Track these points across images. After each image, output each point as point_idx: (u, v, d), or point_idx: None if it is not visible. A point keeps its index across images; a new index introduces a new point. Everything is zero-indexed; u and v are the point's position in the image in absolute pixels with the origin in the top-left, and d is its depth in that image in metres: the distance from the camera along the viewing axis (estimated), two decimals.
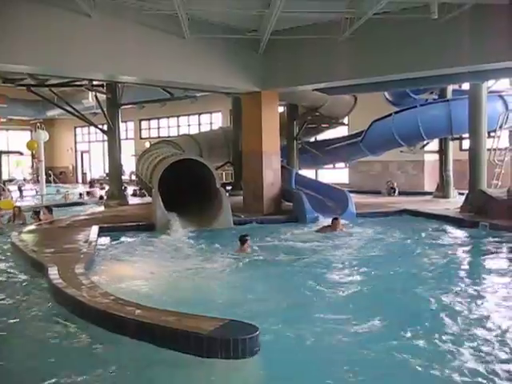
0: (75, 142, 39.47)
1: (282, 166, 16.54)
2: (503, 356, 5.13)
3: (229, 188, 20.23)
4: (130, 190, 23.63)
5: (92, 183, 30.71)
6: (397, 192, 20.88)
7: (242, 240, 10.24)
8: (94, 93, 20.15)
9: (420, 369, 4.84)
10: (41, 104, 28.54)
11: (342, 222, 12.58)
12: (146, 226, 12.95)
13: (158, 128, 33.99)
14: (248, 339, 4.99)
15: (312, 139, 23.07)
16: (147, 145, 26.08)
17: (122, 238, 11.94)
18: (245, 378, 4.92)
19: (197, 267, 9.21)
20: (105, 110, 19.09)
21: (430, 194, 19.76)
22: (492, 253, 10.13)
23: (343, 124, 22.84)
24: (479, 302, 7.06)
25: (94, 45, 11.41)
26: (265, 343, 5.11)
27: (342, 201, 14.91)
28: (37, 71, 13.17)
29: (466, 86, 17.88)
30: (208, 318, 5.53)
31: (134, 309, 5.99)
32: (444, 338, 5.61)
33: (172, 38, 12.80)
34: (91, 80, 16.53)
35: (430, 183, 21.76)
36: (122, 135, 22.70)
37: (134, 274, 8.87)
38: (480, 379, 4.65)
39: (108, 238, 11.93)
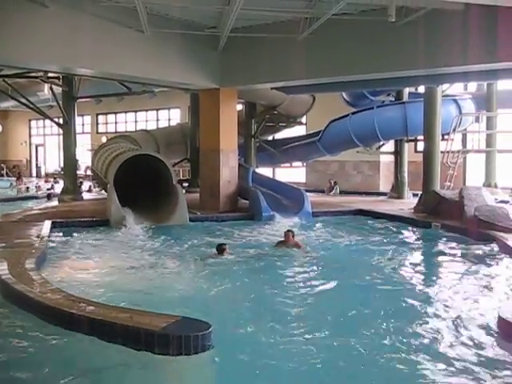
0: (30, 135, 38.64)
1: (239, 164, 16.55)
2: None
3: (185, 185, 20.15)
4: (85, 185, 23.19)
5: (48, 177, 30.20)
6: (337, 191, 21.06)
7: (220, 249, 9.63)
8: (49, 85, 19.74)
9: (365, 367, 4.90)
10: None
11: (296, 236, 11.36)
12: (100, 222, 12.79)
13: (116, 123, 33.57)
14: (200, 336, 4.98)
15: (270, 138, 23.14)
16: (104, 139, 25.72)
17: (76, 234, 11.73)
18: (197, 375, 4.90)
19: (150, 263, 9.15)
20: (60, 102, 18.73)
21: (384, 194, 20.04)
22: (443, 252, 10.37)
23: (301, 123, 22.99)
24: (428, 298, 7.23)
25: (50, 36, 11.20)
26: (218, 340, 5.10)
27: (299, 199, 14.98)
28: None
29: (421, 89, 18.20)
30: (160, 315, 5.50)
31: (85, 305, 5.91)
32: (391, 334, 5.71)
33: (130, 32, 12.66)
34: (46, 72, 16.19)
35: (385, 184, 22.08)
36: (78, 129, 22.42)
37: (86, 270, 8.73)
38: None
39: (61, 233, 11.71)
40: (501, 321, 5.62)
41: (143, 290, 7.55)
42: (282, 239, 10.48)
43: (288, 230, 10.57)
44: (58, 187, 24.13)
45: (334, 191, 21.11)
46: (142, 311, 5.67)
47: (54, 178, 28.74)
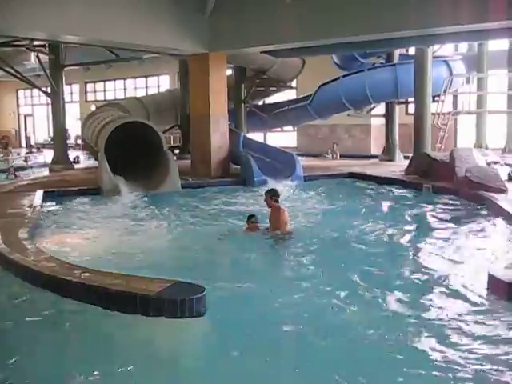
0: (18, 106, 38.27)
1: (230, 130, 16.48)
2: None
3: (176, 151, 20.08)
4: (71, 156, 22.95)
5: (31, 147, 30.06)
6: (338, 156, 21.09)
7: (252, 221, 8.73)
8: (36, 53, 19.48)
9: (360, 329, 4.96)
10: None
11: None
12: (92, 190, 12.74)
13: (104, 91, 33.29)
14: (195, 299, 5.04)
15: (260, 102, 23.03)
16: (93, 108, 25.51)
17: (68, 203, 11.70)
18: (192, 338, 4.96)
19: (143, 230, 9.19)
20: (48, 71, 18.51)
21: (376, 157, 20.07)
22: (434, 213, 10.44)
23: (291, 87, 22.87)
24: (419, 258, 7.38)
25: (36, 2, 11.01)
26: (212, 304, 5.16)
27: (290, 164, 15.00)
28: None
29: (412, 50, 18.10)
30: (155, 280, 5.55)
31: (80, 272, 5.95)
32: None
33: None
34: (33, 40, 15.96)
35: (376, 147, 22.11)
36: (67, 98, 22.17)
37: (80, 238, 8.78)
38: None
39: (53, 202, 11.67)
40: (490, 278, 5.71)
41: (137, 256, 7.59)
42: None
43: (266, 192, 8.88)
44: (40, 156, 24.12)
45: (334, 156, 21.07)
46: (137, 276, 5.71)
47: (38, 149, 28.73)
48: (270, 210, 8.65)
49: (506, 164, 13.96)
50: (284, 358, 4.45)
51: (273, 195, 8.55)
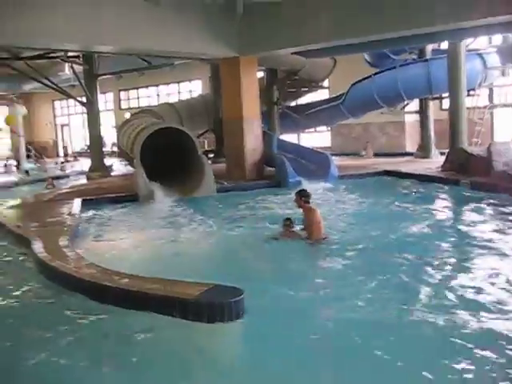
0: (54, 116, 39.01)
1: (263, 132, 16.51)
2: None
3: (211, 155, 20.22)
4: (111, 162, 23.32)
5: (67, 156, 30.65)
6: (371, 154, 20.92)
7: (286, 224, 8.53)
8: (70, 64, 19.85)
9: (408, 331, 4.93)
10: (16, 78, 28.00)
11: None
12: (129, 197, 12.91)
13: (138, 98, 33.68)
14: (233, 302, 5.06)
15: (293, 103, 23.01)
16: (127, 115, 25.85)
17: (106, 210, 11.89)
18: (230, 341, 4.99)
19: (181, 235, 9.25)
20: (82, 81, 18.85)
21: (411, 154, 19.87)
22: (473, 209, 10.26)
23: (323, 87, 22.81)
24: (460, 257, 7.23)
25: (69, 14, 11.21)
26: (250, 307, 5.18)
27: (324, 164, 14.95)
28: (7, 43, 12.81)
29: (444, 45, 17.87)
30: (194, 283, 5.59)
31: (120, 278, 6.03)
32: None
33: (147, 4, 12.61)
34: (67, 51, 16.27)
35: (411, 144, 21.88)
36: (102, 106, 22.55)
37: (119, 244, 8.90)
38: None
39: (91, 210, 11.85)
40: None
41: (175, 261, 7.66)
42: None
43: (296, 192, 8.54)
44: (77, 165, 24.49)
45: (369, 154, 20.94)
46: (176, 280, 5.77)
47: (75, 157, 29.25)
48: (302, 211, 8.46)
49: None
50: (321, 363, 4.42)
51: (303, 196, 8.30)
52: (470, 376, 4.05)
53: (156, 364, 4.52)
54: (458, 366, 4.15)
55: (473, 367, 4.15)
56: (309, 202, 8.33)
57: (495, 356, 4.27)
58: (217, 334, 4.96)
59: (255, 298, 5.43)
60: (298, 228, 8.48)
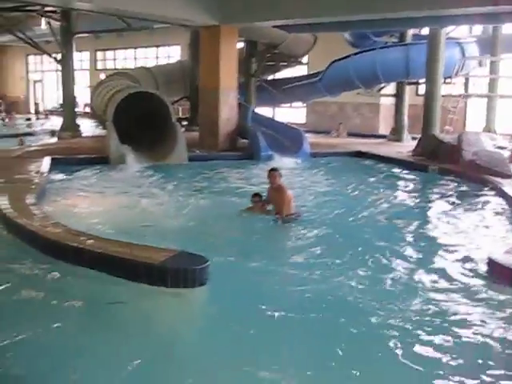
0: (27, 71, 38.13)
1: (239, 103, 16.46)
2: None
3: (185, 123, 20.07)
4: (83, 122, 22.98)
5: (39, 113, 30.17)
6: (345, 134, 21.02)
7: (255, 200, 8.47)
8: (47, 19, 19.39)
9: (362, 305, 5.05)
10: None
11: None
12: (99, 159, 12.79)
13: (114, 59, 33.09)
14: (198, 269, 5.12)
15: (270, 77, 22.91)
16: (102, 76, 25.46)
17: (75, 170, 11.78)
18: (194, 307, 5.06)
19: (149, 200, 9.25)
20: (58, 38, 18.45)
21: (384, 136, 20.02)
22: (438, 195, 10.47)
23: (302, 63, 22.74)
24: (421, 241, 7.38)
25: None
26: (214, 275, 5.24)
27: (297, 140, 15.01)
28: None
29: (425, 31, 17.93)
30: (159, 249, 5.63)
31: (85, 239, 6.03)
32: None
33: None
34: (44, 5, 15.88)
35: (384, 126, 22.01)
36: (77, 65, 22.13)
37: (87, 206, 8.86)
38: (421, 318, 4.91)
39: (60, 169, 11.72)
40: (491, 262, 5.77)
41: (142, 225, 7.68)
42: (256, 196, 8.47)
43: (272, 170, 8.44)
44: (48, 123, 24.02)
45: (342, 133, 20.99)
46: (142, 245, 5.79)
47: (46, 115, 28.74)
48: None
49: None
50: (281, 331, 4.55)
51: (278, 174, 8.28)
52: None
53: (118, 327, 4.57)
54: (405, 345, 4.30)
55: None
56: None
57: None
58: (180, 300, 5.02)
59: (220, 267, 5.49)
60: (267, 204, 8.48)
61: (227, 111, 15.46)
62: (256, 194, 8.51)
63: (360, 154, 15.37)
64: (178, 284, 5.09)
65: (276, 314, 4.78)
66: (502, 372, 3.97)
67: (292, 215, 8.08)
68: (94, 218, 7.99)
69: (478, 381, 3.84)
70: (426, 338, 4.44)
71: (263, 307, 4.90)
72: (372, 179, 12.07)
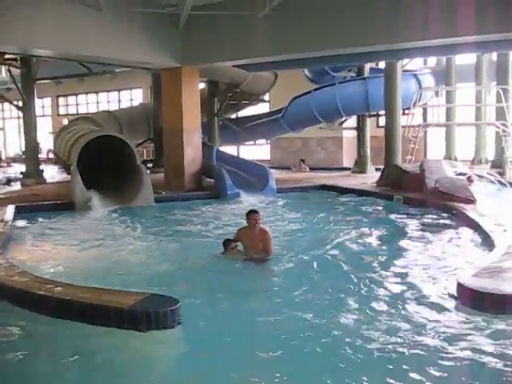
0: None
1: (203, 143, 16.55)
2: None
3: (150, 165, 20.06)
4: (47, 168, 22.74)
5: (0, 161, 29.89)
6: (307, 168, 21.24)
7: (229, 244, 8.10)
8: (7, 67, 19.33)
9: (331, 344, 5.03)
10: None
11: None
12: (64, 205, 12.65)
13: (77, 104, 33.07)
14: (169, 311, 5.07)
15: (233, 116, 23.14)
16: (65, 122, 25.37)
17: (40, 218, 11.61)
18: (167, 349, 5.00)
19: (116, 244, 9.15)
20: (19, 85, 18.38)
21: (348, 169, 20.31)
22: (404, 223, 10.59)
23: (264, 101, 23.04)
24: (389, 268, 7.46)
25: (6, 16, 10.95)
26: (187, 316, 5.20)
27: (263, 176, 15.10)
28: None
29: (382, 64, 18.40)
30: (129, 293, 5.57)
31: (53, 286, 5.93)
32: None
33: (88, 10, 12.47)
34: (3, 53, 15.85)
35: (348, 159, 22.34)
36: (39, 112, 22.08)
37: (53, 253, 8.72)
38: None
39: (25, 217, 11.55)
40: (459, 286, 5.85)
41: (110, 270, 7.57)
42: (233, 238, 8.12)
43: (251, 212, 8.12)
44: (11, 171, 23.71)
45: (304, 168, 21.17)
46: (111, 289, 5.72)
47: (8, 163, 28.45)
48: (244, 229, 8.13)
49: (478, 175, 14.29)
50: (255, 371, 4.48)
51: (259, 216, 8.01)
52: None
53: (90, 374, 4.48)
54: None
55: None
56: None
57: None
58: (152, 343, 4.96)
59: (191, 308, 5.45)
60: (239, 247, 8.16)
61: (192, 151, 15.52)
62: (229, 240, 8.11)
63: (325, 188, 15.52)
64: (148, 327, 5.03)
65: (251, 354, 4.73)
66: None
67: (266, 256, 7.90)
68: (60, 264, 7.88)
69: None
70: (400, 360, 4.51)
71: (237, 348, 4.86)
72: (339, 211, 12.19)
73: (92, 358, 4.73)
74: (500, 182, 14.15)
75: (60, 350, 4.91)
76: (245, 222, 8.21)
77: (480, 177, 14.50)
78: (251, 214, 8.05)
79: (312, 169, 21.01)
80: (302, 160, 21.57)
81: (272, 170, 15.81)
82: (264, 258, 7.84)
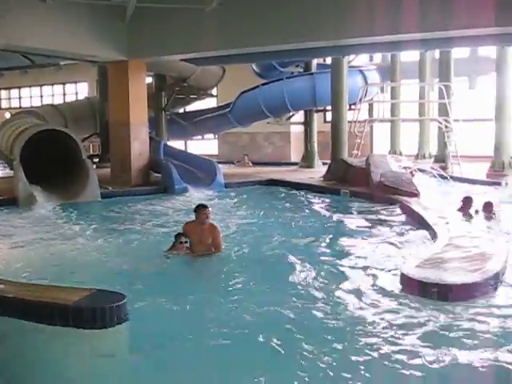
0: None
1: (150, 137, 16.40)
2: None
3: (96, 160, 19.74)
4: None
5: None
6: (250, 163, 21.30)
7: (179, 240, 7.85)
8: None
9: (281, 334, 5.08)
10: None
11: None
12: (7, 201, 12.32)
13: (20, 98, 32.17)
14: (115, 307, 5.00)
15: (181, 110, 23.00)
16: (7, 115, 24.71)
17: None
18: (114, 346, 4.93)
19: (61, 241, 8.98)
20: None
21: (295, 164, 20.45)
22: (351, 217, 10.81)
23: (211, 95, 22.98)
24: (335, 261, 7.57)
25: None
26: (134, 311, 5.14)
27: (211, 171, 15.08)
28: None
29: (329, 60, 18.60)
30: (74, 289, 5.46)
31: None
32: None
33: (32, 1, 12.17)
34: None
35: (295, 154, 22.50)
36: None
37: None
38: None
39: None
40: (403, 277, 5.99)
41: (54, 266, 7.42)
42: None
43: (201, 206, 7.93)
44: None
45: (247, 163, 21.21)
46: (55, 286, 5.60)
47: None
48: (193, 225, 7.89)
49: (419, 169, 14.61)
50: (204, 365, 4.48)
51: (210, 211, 7.85)
52: None
53: (34, 374, 4.38)
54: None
55: None
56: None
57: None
58: (98, 340, 4.88)
59: (137, 304, 5.40)
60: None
61: (138, 146, 15.35)
62: (180, 234, 7.86)
63: (273, 182, 15.60)
64: (94, 324, 4.94)
65: (200, 348, 4.74)
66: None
67: (217, 251, 7.80)
68: (3, 262, 7.68)
69: None
70: (347, 349, 4.60)
71: (180, 342, 4.85)
72: (286, 206, 12.29)
73: (35, 357, 4.64)
74: (442, 176, 14.50)
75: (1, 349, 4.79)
76: (191, 215, 8.16)
77: (423, 171, 14.83)
78: (201, 208, 7.84)
79: (256, 164, 20.95)
80: (246, 155, 21.62)
81: (220, 165, 15.78)
82: (213, 253, 7.76)
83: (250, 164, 21.10)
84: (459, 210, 10.15)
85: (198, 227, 7.79)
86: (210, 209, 7.95)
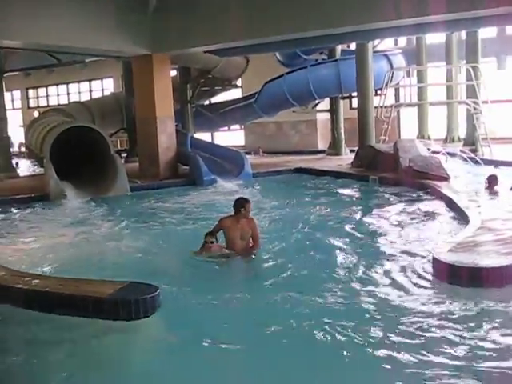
0: None
1: (177, 130, 16.46)
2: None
3: (124, 155, 19.93)
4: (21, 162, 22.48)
5: None
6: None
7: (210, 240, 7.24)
8: None
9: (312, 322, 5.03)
10: None
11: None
12: (39, 198, 12.50)
13: (47, 96, 32.60)
14: (149, 299, 5.05)
15: (206, 102, 23.03)
16: (36, 114, 25.04)
17: (15, 211, 11.48)
18: (146, 337, 4.99)
19: (93, 235, 9.08)
20: None
21: (323, 152, 20.37)
22: (381, 203, 10.74)
23: (236, 86, 22.95)
24: (369, 247, 7.58)
25: None
26: (165, 303, 5.18)
27: (238, 162, 15.10)
28: None
29: (353, 46, 18.42)
30: (108, 282, 5.53)
31: (30, 279, 5.86)
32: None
33: None
34: None
35: (322, 141, 22.40)
36: (8, 105, 21.70)
37: (29, 245, 8.61)
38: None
39: None
40: (434, 261, 5.94)
41: (88, 262, 7.49)
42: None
43: (243, 200, 7.28)
44: None
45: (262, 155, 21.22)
46: (89, 280, 5.68)
47: None
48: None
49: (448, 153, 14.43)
50: (231, 360, 4.47)
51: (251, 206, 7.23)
52: None
53: (72, 365, 4.45)
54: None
55: None
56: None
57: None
58: (132, 331, 4.94)
59: (170, 298, 5.43)
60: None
61: (166, 139, 15.43)
62: (209, 234, 7.21)
63: (301, 171, 15.56)
64: (129, 315, 5.00)
65: (232, 342, 4.70)
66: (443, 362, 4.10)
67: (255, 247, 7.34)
68: (37, 257, 7.79)
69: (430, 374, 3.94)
70: (380, 336, 4.59)
71: (212, 336, 4.81)
72: (315, 193, 12.23)
73: (73, 350, 4.71)
74: (472, 159, 14.31)
75: (39, 342, 4.87)
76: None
77: (453, 155, 14.65)
78: (243, 202, 7.19)
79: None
80: (259, 147, 21.62)
81: (247, 155, 15.80)
82: (253, 249, 7.34)
83: (265, 154, 21.10)
84: (486, 188, 10.41)
85: (236, 222, 7.21)
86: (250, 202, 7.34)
